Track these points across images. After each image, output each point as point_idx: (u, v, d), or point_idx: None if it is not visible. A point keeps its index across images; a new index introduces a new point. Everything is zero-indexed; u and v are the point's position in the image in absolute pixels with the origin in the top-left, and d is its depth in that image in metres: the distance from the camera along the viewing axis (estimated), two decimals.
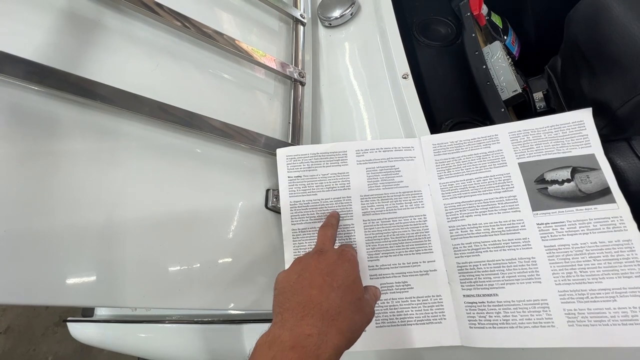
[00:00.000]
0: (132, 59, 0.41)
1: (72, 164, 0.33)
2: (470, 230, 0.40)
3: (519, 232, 0.39)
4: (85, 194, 0.33)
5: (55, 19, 0.36)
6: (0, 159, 0.29)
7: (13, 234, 0.28)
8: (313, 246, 0.42)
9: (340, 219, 0.43)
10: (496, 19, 0.72)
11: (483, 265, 0.39)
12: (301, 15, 0.64)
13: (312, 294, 0.29)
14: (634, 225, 0.36)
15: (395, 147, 0.46)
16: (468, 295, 0.38)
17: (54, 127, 0.33)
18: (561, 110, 0.56)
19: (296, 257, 0.42)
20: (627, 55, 0.39)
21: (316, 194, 0.44)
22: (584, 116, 0.41)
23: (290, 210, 0.44)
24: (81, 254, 0.31)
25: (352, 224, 0.43)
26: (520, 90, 0.58)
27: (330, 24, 0.67)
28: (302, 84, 0.57)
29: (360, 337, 0.38)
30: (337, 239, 0.42)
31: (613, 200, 0.37)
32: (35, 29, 0.34)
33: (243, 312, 0.51)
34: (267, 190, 0.46)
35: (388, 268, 0.41)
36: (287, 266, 0.42)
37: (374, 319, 0.39)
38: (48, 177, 0.31)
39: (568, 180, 0.39)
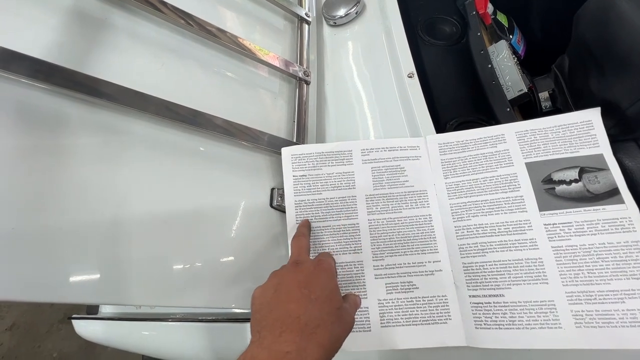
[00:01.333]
0: (138, 57, 0.41)
1: (78, 162, 0.33)
2: (477, 231, 0.40)
3: (525, 233, 0.38)
4: (91, 192, 0.33)
5: (62, 17, 0.36)
6: (7, 157, 0.29)
7: (21, 231, 0.28)
8: (317, 245, 0.42)
9: (345, 218, 0.43)
10: (502, 18, 0.71)
11: (489, 265, 0.38)
12: (306, 14, 0.64)
13: (289, 308, 0.29)
14: None
15: (401, 147, 0.46)
16: (474, 296, 0.38)
17: (62, 125, 0.33)
18: (567, 109, 0.56)
19: None
20: (636, 54, 0.39)
21: (321, 193, 0.44)
22: (592, 116, 0.41)
23: (295, 209, 0.44)
24: (88, 252, 0.31)
25: (357, 224, 0.43)
26: (526, 90, 0.57)
27: (335, 23, 0.67)
28: (307, 83, 0.57)
29: (365, 336, 0.38)
30: (342, 239, 0.42)
31: (622, 201, 0.37)
32: (43, 28, 0.34)
33: (247, 311, 0.51)
34: (272, 189, 0.46)
35: (393, 268, 0.41)
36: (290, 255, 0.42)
37: (378, 319, 0.39)
38: (55, 175, 0.31)
39: (576, 181, 0.39)
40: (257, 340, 0.28)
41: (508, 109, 0.54)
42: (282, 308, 0.29)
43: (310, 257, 0.38)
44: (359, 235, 0.42)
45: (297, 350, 0.26)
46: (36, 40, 0.33)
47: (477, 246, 0.39)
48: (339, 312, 0.31)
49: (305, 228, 0.41)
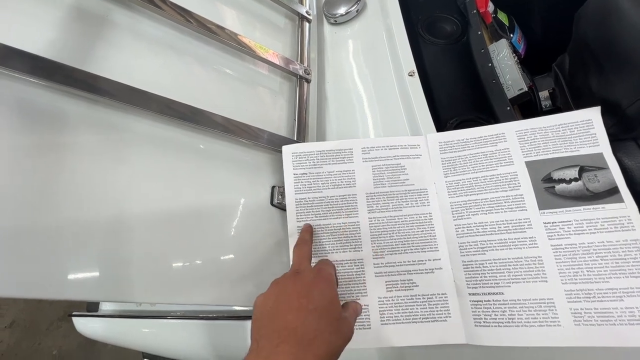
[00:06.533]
0: (138, 55, 0.41)
1: (78, 159, 0.33)
2: (477, 229, 0.40)
3: (525, 231, 0.39)
4: (91, 189, 0.33)
5: (63, 14, 0.36)
6: (8, 153, 0.29)
7: (21, 227, 0.28)
8: (317, 244, 0.42)
9: (346, 216, 0.43)
10: (502, 17, 0.71)
11: (489, 263, 0.39)
12: (307, 12, 0.64)
13: (287, 319, 0.30)
14: None
15: (402, 145, 0.46)
16: (474, 294, 0.38)
17: (61, 122, 0.33)
18: (567, 109, 0.56)
19: None
20: (637, 54, 0.39)
21: (322, 191, 0.44)
22: (592, 115, 0.41)
23: (296, 207, 0.44)
24: (88, 249, 0.31)
25: (357, 222, 0.43)
26: (526, 89, 0.57)
27: (336, 21, 0.67)
28: (308, 81, 0.57)
29: (365, 334, 0.39)
30: (342, 237, 0.42)
31: (621, 200, 0.37)
32: (44, 25, 0.34)
33: (247, 309, 0.51)
34: (273, 187, 0.46)
35: (393, 266, 0.41)
36: (292, 263, 0.42)
37: (378, 316, 0.39)
38: (55, 171, 0.31)
39: (575, 179, 0.39)
40: (255, 349, 0.29)
41: (508, 108, 0.54)
42: (281, 319, 0.30)
43: (313, 261, 0.38)
44: (360, 233, 0.42)
45: None
46: (36, 37, 0.33)
47: (477, 244, 0.40)
48: (337, 323, 0.32)
49: (307, 234, 0.41)
